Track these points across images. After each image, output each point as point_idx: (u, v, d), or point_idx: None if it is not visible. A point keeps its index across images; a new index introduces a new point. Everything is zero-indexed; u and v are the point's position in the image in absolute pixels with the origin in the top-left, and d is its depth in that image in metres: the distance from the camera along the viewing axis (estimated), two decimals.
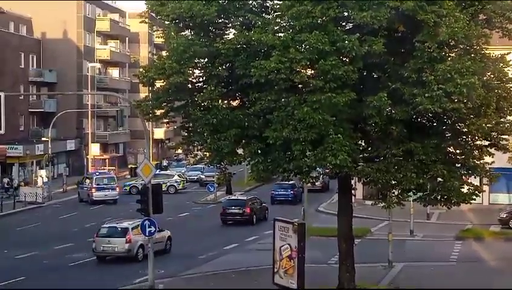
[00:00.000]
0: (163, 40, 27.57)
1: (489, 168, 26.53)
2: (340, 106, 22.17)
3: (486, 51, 24.84)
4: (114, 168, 79.16)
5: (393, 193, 25.47)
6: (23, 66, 71.03)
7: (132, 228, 34.12)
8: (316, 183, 53.08)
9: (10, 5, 67.34)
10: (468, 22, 22.61)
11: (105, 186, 60.18)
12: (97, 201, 58.40)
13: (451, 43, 23.19)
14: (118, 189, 61.07)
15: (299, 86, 23.67)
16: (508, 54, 25.90)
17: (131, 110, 65.37)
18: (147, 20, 27.79)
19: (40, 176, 64.31)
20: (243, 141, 25.14)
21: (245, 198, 50.20)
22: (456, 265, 32.79)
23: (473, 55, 23.61)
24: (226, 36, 25.11)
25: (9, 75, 63.44)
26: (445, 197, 24.76)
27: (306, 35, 22.11)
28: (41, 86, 74.67)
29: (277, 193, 56.55)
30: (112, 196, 59.90)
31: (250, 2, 25.17)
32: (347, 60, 22.80)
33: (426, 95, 21.80)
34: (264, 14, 25.16)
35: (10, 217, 51.65)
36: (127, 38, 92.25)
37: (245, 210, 46.92)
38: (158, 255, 33.52)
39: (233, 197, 53.20)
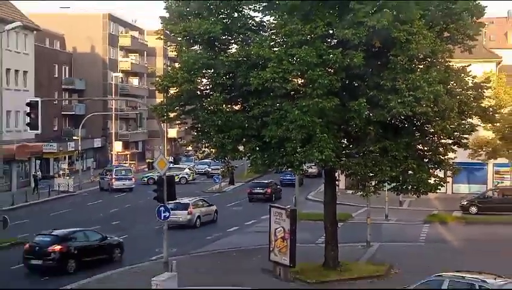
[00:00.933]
0: (176, 53, 27.61)
1: (453, 162, 26.70)
2: (326, 109, 22.24)
3: (449, 63, 25.05)
4: (134, 162, 79.17)
5: (371, 183, 25.52)
6: (57, 76, 71.05)
7: (192, 204, 39.13)
8: (312, 170, 55.11)
9: (46, 24, 67.19)
10: (434, 39, 22.76)
11: (123, 177, 60.71)
12: (116, 189, 58.51)
13: (420, 57, 23.41)
14: (133, 179, 61.40)
15: (291, 92, 23.64)
16: (468, 66, 26.12)
17: (148, 113, 65.55)
18: (162, 36, 27.95)
19: (63, 169, 64.65)
20: (244, 139, 25.16)
21: (266, 181, 53.58)
22: (424, 245, 32.80)
23: (438, 67, 23.81)
24: (229, 50, 25.13)
25: (45, 84, 63.49)
26: (415, 187, 24.84)
27: (297, 50, 22.18)
28: (72, 92, 74.63)
29: (285, 178, 58.96)
30: (129, 185, 60.22)
31: (250, 21, 25.24)
32: (332, 70, 22.84)
33: (399, 100, 21.89)
34: (261, 32, 25.22)
35: (46, 204, 51.62)
36: (145, 52, 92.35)
37: (267, 190, 51.88)
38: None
39: (257, 181, 56.70)
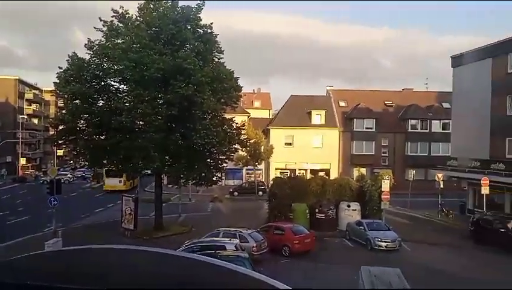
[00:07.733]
0: (63, 104, 25.03)
1: (225, 168, 27.14)
2: (156, 139, 21.65)
3: (224, 116, 25.46)
4: (34, 170, 69.07)
5: (182, 181, 25.17)
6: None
7: None
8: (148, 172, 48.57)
9: None
10: (216, 102, 23.23)
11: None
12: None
13: (208, 112, 23.49)
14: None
15: (136, 129, 22.62)
16: (233, 117, 26.64)
17: (45, 140, 58.05)
18: (55, 94, 25.51)
19: None
20: (107, 156, 23.54)
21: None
22: (210, 214, 32.50)
23: (218, 117, 24.27)
24: (98, 103, 23.36)
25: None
26: (205, 182, 24.95)
27: (140, 105, 21.47)
28: None
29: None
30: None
31: (111, 88, 23.80)
32: (160, 117, 22.21)
33: (197, 135, 22.03)
34: (118, 94, 23.62)
35: None
36: (43, 103, 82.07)
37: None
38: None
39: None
